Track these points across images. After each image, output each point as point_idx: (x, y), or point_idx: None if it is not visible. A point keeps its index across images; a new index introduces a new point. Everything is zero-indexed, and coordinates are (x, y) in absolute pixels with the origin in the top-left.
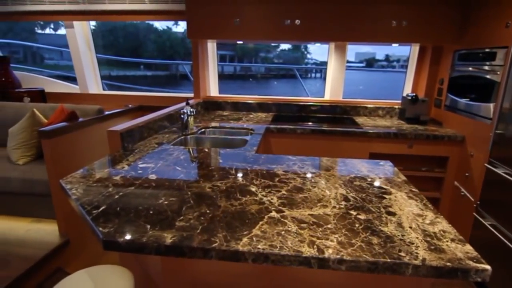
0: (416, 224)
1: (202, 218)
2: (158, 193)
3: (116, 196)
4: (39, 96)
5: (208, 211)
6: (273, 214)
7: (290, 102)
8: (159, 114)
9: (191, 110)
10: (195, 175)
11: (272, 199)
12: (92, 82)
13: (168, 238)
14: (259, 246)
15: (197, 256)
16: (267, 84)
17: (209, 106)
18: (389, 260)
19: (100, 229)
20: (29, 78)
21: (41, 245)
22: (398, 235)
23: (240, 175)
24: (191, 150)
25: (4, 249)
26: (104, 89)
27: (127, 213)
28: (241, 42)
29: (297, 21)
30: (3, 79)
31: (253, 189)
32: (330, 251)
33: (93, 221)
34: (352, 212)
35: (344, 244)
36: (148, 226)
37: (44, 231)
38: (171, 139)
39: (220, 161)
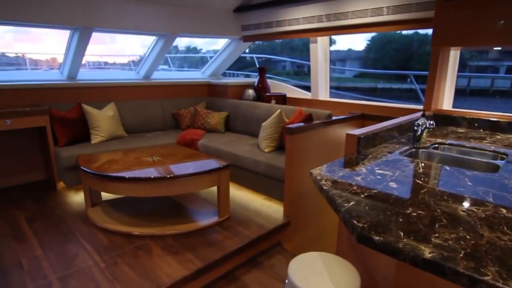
0: None
1: (462, 242)
2: (403, 202)
3: (362, 196)
4: (281, 99)
5: (468, 237)
6: None
7: None
8: (391, 123)
9: (431, 122)
10: (440, 192)
11: None
12: (322, 89)
13: (426, 252)
14: None
15: (460, 282)
16: None
17: (440, 121)
18: None
19: (355, 222)
20: (276, 85)
21: (269, 219)
22: None
23: (501, 205)
24: (429, 164)
25: (247, 214)
26: (330, 97)
27: (376, 214)
28: (499, 48)
29: None
30: (260, 85)
31: None
32: None
33: (346, 213)
34: None
35: None
36: (401, 233)
37: (272, 209)
38: (402, 150)
39: (469, 183)
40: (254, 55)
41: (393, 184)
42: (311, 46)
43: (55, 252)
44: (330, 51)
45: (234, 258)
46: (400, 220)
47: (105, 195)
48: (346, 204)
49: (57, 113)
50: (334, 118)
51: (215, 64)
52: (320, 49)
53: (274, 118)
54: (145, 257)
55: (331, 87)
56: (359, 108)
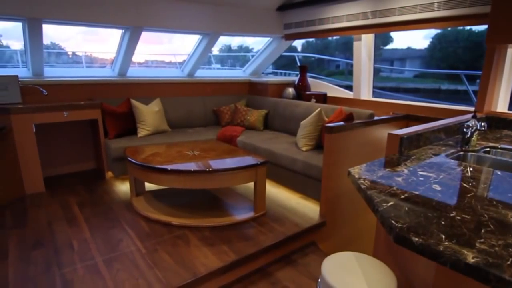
0: None
1: (510, 249)
2: (446, 205)
3: (402, 196)
4: (322, 98)
5: None
6: None
7: None
8: (437, 124)
9: (482, 124)
10: (489, 197)
11: None
12: (365, 89)
13: (469, 256)
14: None
15: None
16: None
17: (493, 124)
18: None
19: (393, 222)
20: (317, 84)
21: (305, 218)
22: None
23: None
24: (478, 168)
25: (283, 212)
26: (373, 96)
27: (416, 216)
28: None
29: None
30: (300, 83)
31: None
32: None
33: (384, 213)
34: None
35: None
36: (443, 236)
37: (308, 208)
38: (449, 153)
39: None
40: (304, 54)
41: (436, 187)
42: (355, 44)
43: (102, 236)
44: (387, 50)
45: (268, 254)
46: (442, 223)
47: (148, 186)
48: (384, 204)
49: (108, 107)
50: (376, 118)
51: (256, 63)
52: (364, 47)
53: (313, 116)
54: (183, 246)
55: (389, 88)
56: (403, 109)
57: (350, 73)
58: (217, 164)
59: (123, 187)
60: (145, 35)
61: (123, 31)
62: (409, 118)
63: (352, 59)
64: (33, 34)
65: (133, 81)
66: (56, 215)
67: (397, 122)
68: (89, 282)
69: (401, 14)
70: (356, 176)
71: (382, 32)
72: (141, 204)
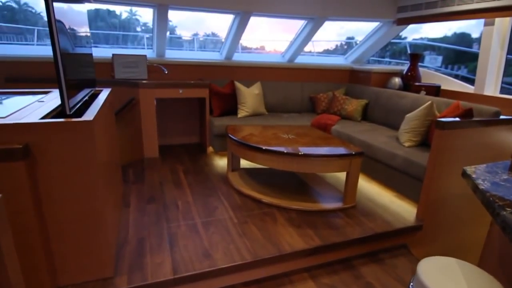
0: None
1: None
2: None
3: None
4: (434, 91)
5: None
6: None
7: None
8: None
9: None
10: None
11: None
12: (491, 83)
13: None
14: None
15: None
16: None
17: None
18: None
19: None
20: (429, 75)
21: (398, 217)
22: None
23: None
24: None
25: (373, 208)
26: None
27: None
28: None
29: None
30: (409, 73)
31: None
32: None
33: (508, 217)
34: None
35: None
36: None
37: (403, 208)
38: None
39: None
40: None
41: None
42: (485, 29)
43: (201, 201)
44: None
45: (354, 247)
46: None
47: (243, 163)
48: (509, 209)
49: (215, 87)
50: (503, 117)
51: (360, 50)
52: (496, 33)
53: (422, 110)
54: (270, 223)
55: None
56: None
57: None
58: (310, 149)
59: (221, 162)
60: (285, 25)
61: (234, 16)
62: None
63: None
64: (161, 19)
65: (238, 64)
66: (166, 178)
67: None
68: (189, 238)
69: None
70: (473, 175)
71: None
72: (235, 179)
